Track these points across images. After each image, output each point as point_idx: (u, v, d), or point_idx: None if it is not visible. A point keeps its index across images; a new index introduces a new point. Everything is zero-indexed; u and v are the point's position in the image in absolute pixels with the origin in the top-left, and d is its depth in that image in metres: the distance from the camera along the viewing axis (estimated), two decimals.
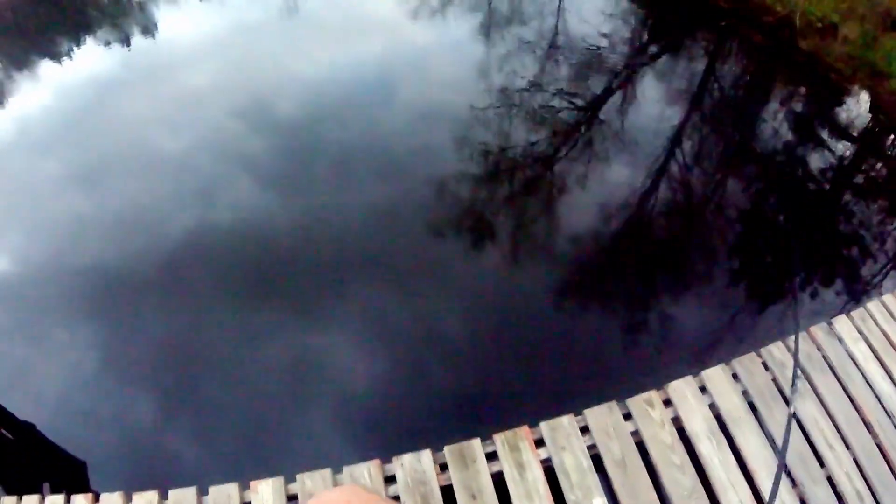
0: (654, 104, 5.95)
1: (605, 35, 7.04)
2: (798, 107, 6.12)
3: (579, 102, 6.09)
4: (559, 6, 7.77)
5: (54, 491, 3.30)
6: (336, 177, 5.48)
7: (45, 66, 8.69)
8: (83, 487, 3.75)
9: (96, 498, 3.21)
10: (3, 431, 4.26)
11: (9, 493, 3.36)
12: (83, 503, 3.21)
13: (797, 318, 3.35)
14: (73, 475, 3.92)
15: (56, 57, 8.93)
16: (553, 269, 4.64)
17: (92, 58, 8.60)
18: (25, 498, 3.33)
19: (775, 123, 5.78)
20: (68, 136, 6.66)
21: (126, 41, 8.94)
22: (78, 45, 8.97)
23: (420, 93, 6.47)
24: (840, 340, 3.68)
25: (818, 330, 3.72)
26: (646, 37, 7.41)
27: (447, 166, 5.46)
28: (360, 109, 6.29)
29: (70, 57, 8.76)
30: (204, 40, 8.18)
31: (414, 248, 4.80)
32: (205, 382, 4.17)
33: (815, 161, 5.44)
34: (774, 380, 3.48)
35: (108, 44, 8.92)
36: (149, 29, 9.28)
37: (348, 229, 4.96)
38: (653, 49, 7.07)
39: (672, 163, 5.31)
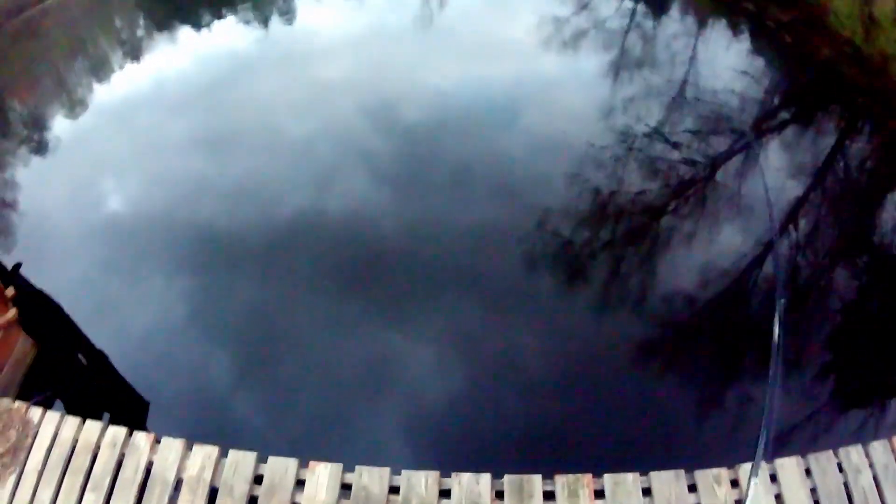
0: (774, 173, 5.76)
1: (734, 92, 6.86)
2: None
3: (698, 158, 5.96)
4: (692, 56, 7.64)
5: (113, 423, 3.45)
6: (447, 188, 5.59)
7: (186, 34, 9.24)
8: (141, 425, 3.92)
9: (157, 440, 3.35)
10: (80, 355, 4.50)
11: (71, 413, 3.54)
12: (144, 441, 3.36)
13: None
14: (134, 412, 4.10)
15: (196, 27, 9.51)
16: (643, 323, 4.58)
17: (230, 33, 9.10)
18: (89, 422, 3.50)
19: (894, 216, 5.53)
20: (200, 104, 7.08)
21: (265, 22, 9.44)
22: (218, 18, 9.45)
23: (540, 121, 6.51)
24: None
25: None
26: (776, 102, 7.18)
27: (557, 199, 5.51)
28: (480, 127, 6.39)
29: (210, 28, 9.28)
30: (340, 36, 8.47)
31: (509, 273, 4.84)
32: (282, 356, 4.32)
33: None
34: (846, 484, 3.35)
35: (247, 22, 9.39)
36: (288, 15, 9.78)
37: (449, 241, 5.06)
38: (782, 115, 6.85)
39: (783, 239, 5.14)
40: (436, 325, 4.49)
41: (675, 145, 6.05)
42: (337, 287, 4.79)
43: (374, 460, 3.02)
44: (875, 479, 3.34)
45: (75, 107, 8.32)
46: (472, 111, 6.66)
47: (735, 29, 8.73)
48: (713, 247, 5.13)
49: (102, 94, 8.28)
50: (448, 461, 3.10)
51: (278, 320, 4.58)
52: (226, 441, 3.28)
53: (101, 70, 9.23)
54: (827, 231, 5.37)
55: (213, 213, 5.59)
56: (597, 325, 4.58)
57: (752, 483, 2.98)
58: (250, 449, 3.16)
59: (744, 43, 8.46)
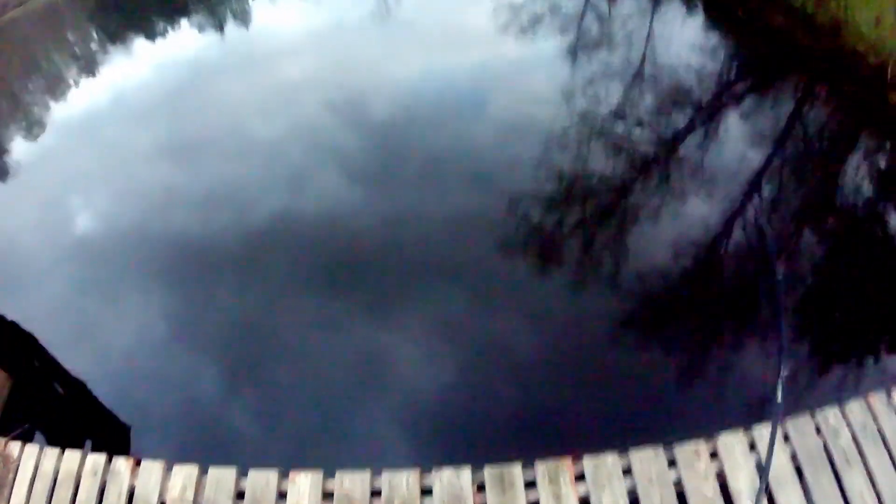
0: (736, 144, 5.82)
1: (692, 68, 6.94)
2: (883, 162, 5.93)
3: (660, 135, 6.02)
4: (648, 35, 7.70)
5: (95, 450, 3.44)
6: (420, 180, 5.61)
7: (141, 44, 9.16)
8: (125, 450, 3.90)
9: (137, 463, 3.33)
10: (56, 385, 4.46)
11: (52, 444, 3.52)
12: (124, 466, 3.35)
13: (778, 389, 3.25)
14: (116, 437, 4.08)
15: (151, 36, 9.42)
16: (618, 300, 4.62)
17: (186, 40, 9.04)
18: (68, 452, 3.48)
19: (858, 178, 5.61)
20: (162, 113, 7.04)
21: (220, 27, 9.38)
22: (172, 26, 9.38)
23: (504, 108, 6.54)
24: None
25: (876, 399, 3.60)
26: (733, 74, 7.26)
27: (528, 183, 5.54)
28: (447, 116, 6.42)
29: (164, 37, 9.20)
30: (300, 35, 8.48)
31: (485, 261, 4.87)
32: (263, 364, 4.33)
33: None
34: (826, 446, 3.40)
35: (201, 28, 9.33)
36: (243, 16, 9.73)
37: (424, 233, 5.07)
38: (739, 88, 6.92)
39: (748, 207, 5.20)
40: (414, 318, 4.52)
41: (637, 123, 6.10)
42: (315, 288, 4.82)
43: (356, 458, 3.04)
44: (854, 438, 3.39)
45: (33, 126, 8.17)
46: (437, 101, 6.70)
47: (689, 5, 8.83)
48: (681, 220, 5.18)
49: (61, 111, 8.16)
50: (429, 453, 3.12)
51: (260, 327, 4.59)
52: (213, 453, 3.28)
53: (57, 86, 9.07)
54: (791, 197, 5.45)
55: (184, 223, 5.57)
56: (573, 307, 4.62)
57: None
58: (237, 458, 3.16)
59: (698, 18, 8.56)
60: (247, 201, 5.72)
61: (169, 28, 9.78)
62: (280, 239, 5.27)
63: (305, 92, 7.26)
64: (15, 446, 3.61)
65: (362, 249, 5.10)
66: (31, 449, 3.57)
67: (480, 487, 2.99)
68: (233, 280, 5.00)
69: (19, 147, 7.51)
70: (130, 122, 7.14)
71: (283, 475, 3.10)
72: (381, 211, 5.46)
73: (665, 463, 3.10)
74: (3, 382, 4.34)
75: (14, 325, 4.89)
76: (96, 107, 7.85)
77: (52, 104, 8.52)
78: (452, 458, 2.99)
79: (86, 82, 8.81)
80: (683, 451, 3.13)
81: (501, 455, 3.00)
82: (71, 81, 9.07)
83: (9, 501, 3.44)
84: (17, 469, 3.55)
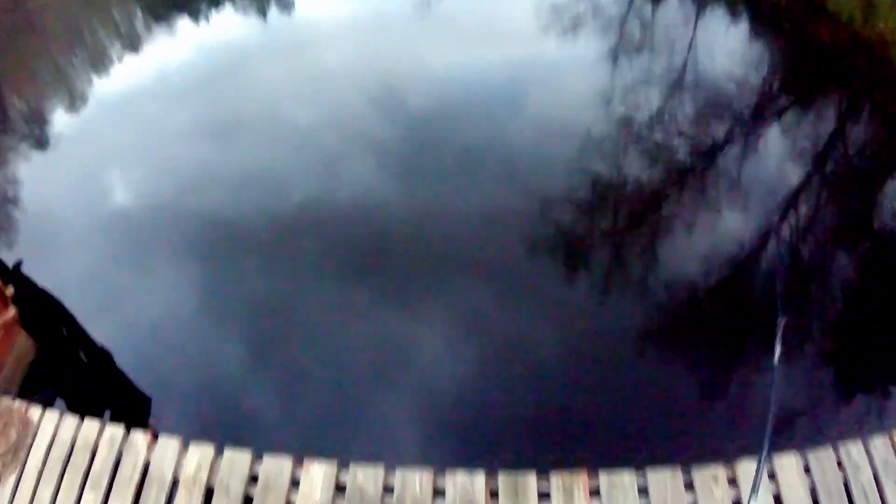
0: (774, 159, 5.72)
1: (734, 78, 6.82)
2: None
3: (698, 145, 5.92)
4: (691, 42, 7.59)
5: (115, 419, 3.48)
6: (453, 174, 5.60)
7: (184, 24, 9.24)
8: (143, 421, 3.94)
9: (154, 438, 3.36)
10: (81, 353, 4.52)
11: (72, 411, 3.56)
12: (142, 439, 3.39)
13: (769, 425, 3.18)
14: (136, 408, 4.13)
15: (194, 16, 9.52)
16: (646, 311, 4.57)
17: (230, 23, 9.12)
18: (87, 420, 3.53)
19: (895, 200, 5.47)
20: (202, 94, 7.12)
21: (263, 12, 9.45)
22: (216, 7, 9.43)
23: (542, 107, 6.49)
24: None
25: None
26: (776, 87, 7.12)
27: (563, 184, 5.53)
28: (484, 112, 6.39)
29: (208, 18, 9.29)
30: (342, 23, 8.51)
31: (512, 260, 4.88)
32: (284, 346, 4.37)
33: None
34: (846, 482, 3.32)
35: (244, 12, 9.38)
36: (286, 3, 9.78)
37: (454, 226, 5.08)
38: (781, 102, 6.79)
39: (784, 225, 5.09)
40: (436, 312, 4.55)
41: (676, 132, 6.00)
42: (343, 273, 4.89)
43: (372, 447, 3.04)
44: (875, 476, 3.31)
45: (75, 100, 8.34)
46: (475, 96, 6.70)
47: (734, 14, 8.66)
48: (715, 234, 5.09)
49: (103, 87, 8.33)
50: (442, 448, 3.11)
51: (284, 310, 4.66)
52: (230, 432, 3.32)
53: (100, 62, 9.26)
54: (828, 217, 5.33)
55: (217, 203, 5.66)
56: (597, 314, 4.59)
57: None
58: (253, 439, 3.19)
59: (742, 28, 8.40)
60: (280, 184, 5.80)
61: (213, 9, 9.86)
62: (310, 223, 5.34)
63: (344, 79, 7.32)
64: (36, 411, 3.66)
65: (390, 238, 5.13)
66: (51, 415, 3.63)
67: (493, 494, 2.97)
68: (262, 261, 5.07)
69: (60, 120, 7.67)
70: (169, 101, 7.28)
71: (298, 462, 3.11)
72: (411, 201, 5.48)
73: (682, 485, 3.05)
74: (28, 348, 4.41)
75: (44, 293, 4.97)
76: (137, 85, 7.99)
77: (95, 80, 8.66)
78: (465, 456, 3.00)
79: (128, 60, 8.95)
80: (702, 475, 3.08)
81: (515, 458, 3.00)
82: (115, 59, 9.21)
83: (25, 465, 3.49)
84: (37, 433, 3.60)
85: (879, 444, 3.41)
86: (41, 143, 7.45)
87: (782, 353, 3.41)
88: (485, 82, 7.04)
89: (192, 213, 5.56)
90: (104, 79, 8.56)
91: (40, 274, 5.11)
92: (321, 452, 3.10)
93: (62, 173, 6.54)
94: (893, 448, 3.46)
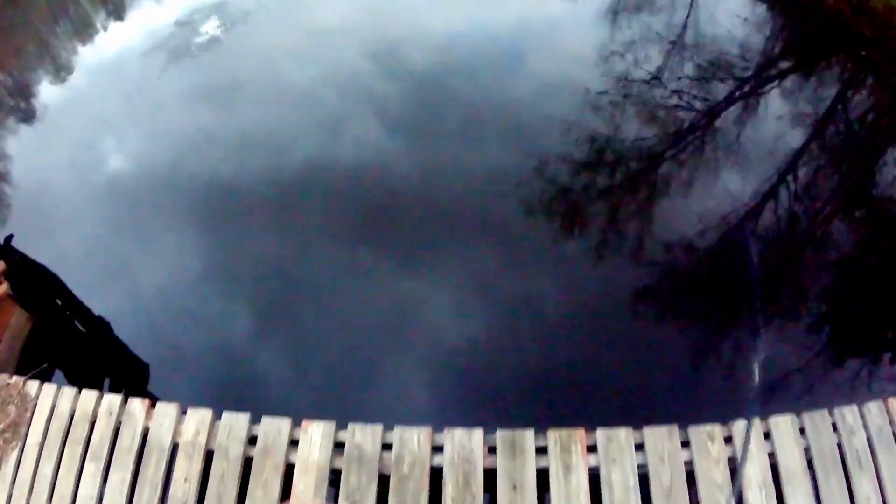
0: (774, 122, 5.68)
1: (735, 40, 6.75)
2: None
3: (697, 105, 5.90)
4: (692, 1, 7.51)
5: (114, 388, 3.48)
6: (456, 133, 5.57)
7: None
8: (143, 389, 3.94)
9: (152, 405, 3.37)
10: (77, 324, 4.51)
11: (72, 382, 3.57)
12: (139, 407, 3.40)
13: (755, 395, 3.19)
14: (135, 376, 4.11)
15: None
16: (647, 272, 4.57)
17: None
18: (84, 392, 3.53)
19: (893, 170, 5.47)
20: (196, 56, 6.97)
21: None
22: None
23: (546, 65, 6.41)
24: None
25: (895, 403, 3.54)
26: (778, 50, 7.05)
27: (560, 144, 5.47)
28: (486, 70, 6.32)
29: None
30: None
31: (513, 220, 4.85)
32: (283, 310, 4.35)
33: None
34: (840, 445, 3.34)
35: None
36: None
37: (460, 185, 5.08)
38: (783, 64, 6.71)
39: (781, 188, 5.09)
40: (436, 273, 4.56)
41: (675, 91, 5.97)
42: (346, 234, 4.85)
43: (372, 409, 3.05)
44: (869, 440, 3.33)
45: (61, 71, 8.09)
46: (478, 54, 6.59)
47: None
48: (712, 195, 5.08)
49: (90, 56, 8.04)
50: (441, 410, 3.12)
51: (286, 272, 4.62)
52: (233, 397, 3.31)
53: (85, 31, 8.84)
54: (826, 182, 5.32)
55: (217, 166, 5.56)
56: (599, 273, 4.57)
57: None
58: (254, 402, 3.19)
59: None
60: (281, 145, 5.68)
61: None
62: (312, 184, 5.26)
63: (343, 38, 7.11)
64: (33, 385, 3.67)
65: (393, 198, 5.08)
66: (49, 388, 3.64)
67: (491, 450, 2.98)
68: (260, 224, 5.00)
69: (48, 91, 7.43)
70: (162, 64, 6.99)
71: (296, 424, 3.12)
72: (415, 161, 5.42)
73: (678, 443, 3.09)
74: (24, 322, 4.41)
75: (37, 266, 4.95)
76: (126, 51, 7.63)
77: (81, 49, 8.32)
78: (464, 417, 3.00)
79: (114, 27, 8.58)
80: (698, 432, 3.11)
81: (513, 417, 3.00)
82: (100, 27, 8.89)
83: (26, 440, 3.49)
84: (35, 408, 3.60)
85: (874, 409, 3.44)
86: (29, 115, 7.26)
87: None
88: (487, 39, 6.91)
89: (190, 177, 5.47)
90: (90, 47, 8.23)
91: (34, 247, 5.06)
92: (325, 414, 3.10)
93: (52, 145, 6.38)
94: (888, 414, 3.49)
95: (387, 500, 2.95)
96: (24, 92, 7.71)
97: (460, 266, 4.60)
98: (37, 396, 3.64)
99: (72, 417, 3.50)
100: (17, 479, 3.40)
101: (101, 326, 4.44)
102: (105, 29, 8.56)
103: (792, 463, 3.20)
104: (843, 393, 3.77)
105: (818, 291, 4.47)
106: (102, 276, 4.78)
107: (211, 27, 7.72)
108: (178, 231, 5.06)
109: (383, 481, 2.99)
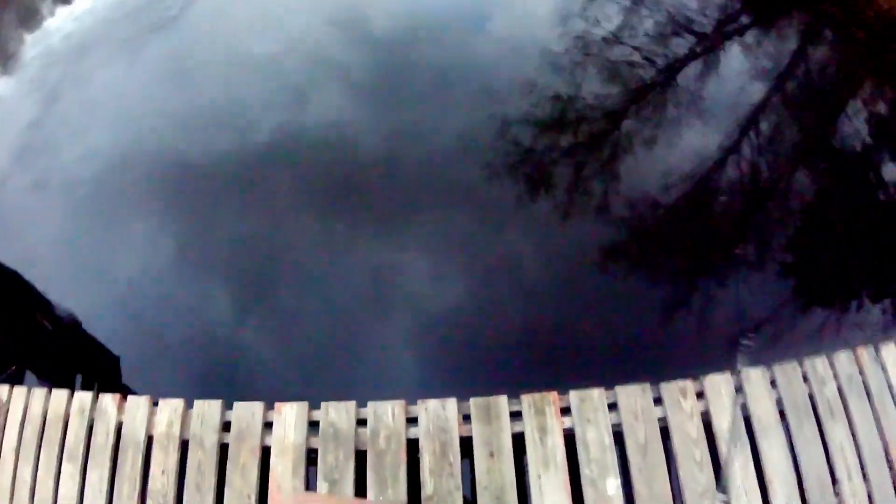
0: (735, 78, 5.69)
1: None
2: (883, 109, 5.83)
3: (657, 62, 5.89)
4: None
5: (86, 382, 3.42)
6: (424, 97, 5.46)
7: None
8: (115, 382, 3.88)
9: (123, 399, 3.33)
10: (43, 321, 4.41)
11: (43, 381, 3.51)
12: (111, 403, 3.36)
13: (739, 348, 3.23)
14: (106, 368, 4.04)
15: None
16: (617, 231, 4.56)
17: None
18: (55, 391, 3.49)
19: (856, 123, 5.53)
20: (153, 32, 6.68)
21: None
22: None
23: (511, 25, 6.30)
24: (883, 368, 3.55)
25: (864, 353, 3.60)
26: (738, 5, 7.07)
27: (525, 105, 5.41)
28: (450, 32, 6.19)
29: None
30: None
31: (477, 185, 4.79)
32: (254, 290, 4.28)
33: (892, 169, 5.21)
34: (811, 395, 3.40)
35: None
36: None
37: (430, 151, 5.00)
38: (743, 19, 6.72)
39: (743, 143, 5.12)
40: (400, 243, 4.49)
41: (635, 48, 5.94)
42: (318, 207, 4.76)
43: (343, 388, 3.03)
44: (840, 389, 3.40)
45: (9, 59, 7.69)
46: (440, 18, 6.47)
47: None
48: (674, 150, 5.07)
49: (37, 40, 7.44)
50: (414, 384, 3.10)
51: (254, 249, 4.54)
52: (203, 386, 3.27)
53: (31, 18, 8.51)
54: (788, 135, 5.36)
55: (179, 143, 5.36)
56: (563, 235, 4.56)
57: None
58: (229, 388, 3.17)
59: None
60: (244, 119, 5.49)
61: None
62: (276, 157, 5.11)
63: (306, 5, 6.87)
64: (3, 389, 3.61)
65: (363, 167, 4.98)
66: (20, 391, 3.59)
67: (466, 418, 2.99)
68: (227, 201, 4.87)
69: None
70: (116, 43, 6.67)
71: (269, 407, 3.10)
72: (383, 127, 5.30)
73: (651, 400, 3.13)
74: None
75: None
76: (79, 34, 7.21)
77: (26, 37, 7.98)
78: (436, 388, 2.99)
79: (60, 11, 8.24)
80: (670, 388, 3.15)
81: (485, 384, 3.00)
82: (46, 13, 8.49)
83: (1, 446, 3.44)
84: (7, 413, 3.54)
85: (844, 359, 3.50)
86: None
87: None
88: (450, 2, 6.76)
89: (151, 156, 5.28)
90: (38, 32, 7.69)
91: None
92: (299, 394, 3.09)
93: (8, 137, 5.97)
94: (857, 363, 3.56)
95: (366, 476, 2.95)
96: None
97: (428, 234, 4.55)
98: (8, 401, 3.59)
99: (45, 419, 3.45)
100: None
101: (67, 321, 4.35)
102: (52, 14, 8.13)
103: (764, 414, 3.25)
104: (812, 343, 3.80)
105: (784, 243, 4.51)
106: (66, 268, 4.64)
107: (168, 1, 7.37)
108: (141, 213, 4.87)
109: (361, 457, 3.00)
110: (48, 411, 3.46)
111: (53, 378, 3.54)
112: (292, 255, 4.48)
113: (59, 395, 3.48)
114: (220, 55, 6.30)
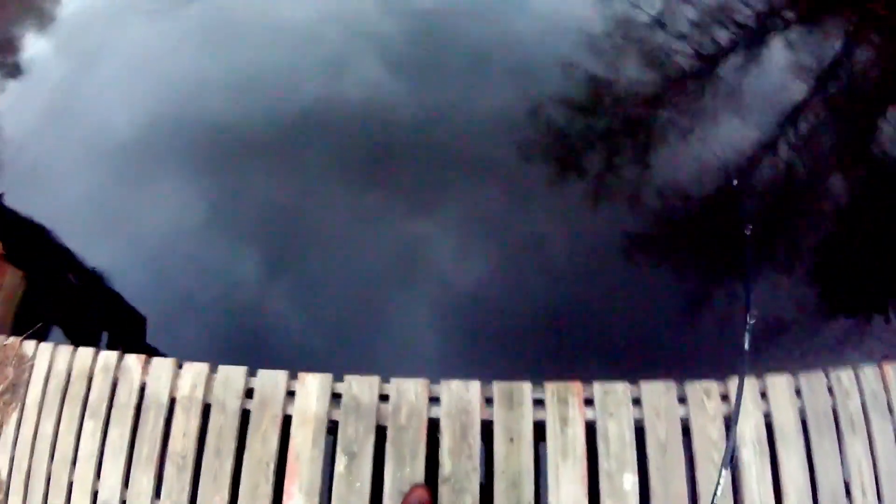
0: (776, 73, 5.59)
1: None
2: None
3: (698, 51, 5.80)
4: None
5: (111, 342, 3.46)
6: (461, 73, 5.40)
7: None
8: (140, 342, 3.91)
9: (148, 360, 3.36)
10: (71, 278, 4.45)
11: (70, 338, 3.55)
12: (135, 363, 3.40)
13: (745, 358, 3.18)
14: (132, 328, 4.08)
15: None
16: (644, 224, 4.50)
17: None
18: (80, 349, 3.53)
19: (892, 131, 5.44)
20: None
21: None
22: None
23: (545, 3, 6.27)
24: None
25: (890, 370, 3.55)
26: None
27: (565, 87, 5.34)
28: (491, 10, 6.17)
29: None
30: None
31: (514, 164, 4.77)
32: (282, 259, 4.30)
33: None
34: (834, 408, 3.36)
35: None
36: None
37: (463, 127, 4.95)
38: (788, 14, 6.61)
39: (780, 141, 5.02)
40: (431, 219, 4.48)
41: (678, 36, 5.85)
42: (351, 178, 4.76)
43: (368, 363, 3.03)
44: (863, 405, 3.34)
45: (46, 22, 7.77)
46: None
47: None
48: (714, 142, 4.95)
49: (75, 5, 7.80)
50: (438, 362, 3.09)
51: (287, 217, 4.56)
52: (227, 351, 3.28)
53: None
54: (826, 136, 5.27)
55: (216, 109, 5.39)
56: (595, 224, 4.49)
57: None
58: (244, 360, 3.17)
59: None
60: (281, 87, 5.50)
61: None
62: (311, 126, 5.10)
63: None
64: (30, 345, 3.66)
65: (397, 141, 4.97)
66: (45, 347, 3.65)
67: (488, 401, 2.98)
68: (261, 168, 4.89)
69: (33, 44, 7.08)
70: (154, 12, 6.77)
71: (293, 376, 3.12)
72: (419, 102, 5.25)
73: (675, 398, 3.10)
74: (18, 282, 4.37)
75: (26, 220, 4.83)
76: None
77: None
78: (459, 366, 2.98)
79: None
80: (695, 388, 3.13)
81: (505, 367, 2.98)
82: None
83: (25, 400, 3.49)
84: (32, 368, 3.59)
85: (869, 373, 3.45)
86: (15, 69, 7.02)
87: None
88: None
89: (188, 121, 5.30)
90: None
91: (25, 202, 4.94)
92: (323, 365, 3.09)
93: (41, 98, 6.04)
94: (883, 379, 3.50)
95: (384, 451, 2.95)
96: (8, 45, 7.34)
97: (458, 210, 4.52)
98: (34, 356, 3.64)
99: (69, 375, 3.50)
100: (17, 439, 3.41)
101: (94, 279, 4.38)
102: None
103: (786, 423, 3.22)
104: (837, 351, 3.75)
105: (816, 247, 4.43)
106: (97, 227, 4.68)
107: None
108: (175, 177, 4.92)
109: (381, 432, 3.01)
110: (73, 368, 3.51)
111: (79, 336, 3.57)
112: (323, 224, 4.48)
113: (85, 352, 3.53)
114: (255, 20, 6.27)
